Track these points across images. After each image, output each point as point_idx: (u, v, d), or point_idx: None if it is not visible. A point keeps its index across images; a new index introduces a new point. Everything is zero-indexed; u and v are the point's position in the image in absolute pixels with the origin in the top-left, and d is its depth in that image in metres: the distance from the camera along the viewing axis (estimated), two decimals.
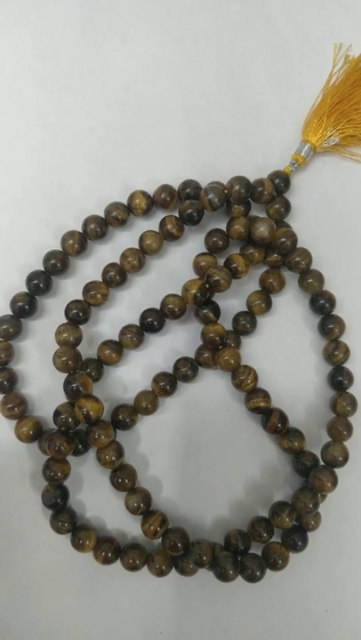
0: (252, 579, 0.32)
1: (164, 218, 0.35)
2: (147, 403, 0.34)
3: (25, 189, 0.37)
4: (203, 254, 0.35)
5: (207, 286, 0.33)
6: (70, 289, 0.36)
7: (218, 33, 0.40)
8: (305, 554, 0.33)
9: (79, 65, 0.39)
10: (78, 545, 0.33)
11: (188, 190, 0.35)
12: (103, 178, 0.37)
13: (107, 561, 0.33)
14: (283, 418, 0.34)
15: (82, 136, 0.38)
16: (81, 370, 0.34)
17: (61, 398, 0.33)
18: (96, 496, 0.35)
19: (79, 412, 0.32)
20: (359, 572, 0.35)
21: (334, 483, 0.33)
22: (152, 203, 0.36)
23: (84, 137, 0.38)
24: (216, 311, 0.34)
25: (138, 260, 0.35)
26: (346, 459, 0.33)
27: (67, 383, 0.32)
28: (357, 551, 0.35)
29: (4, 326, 0.34)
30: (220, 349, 0.34)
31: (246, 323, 0.35)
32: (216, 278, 0.33)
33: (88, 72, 0.39)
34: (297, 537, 0.33)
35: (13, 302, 0.35)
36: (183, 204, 0.35)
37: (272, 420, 0.34)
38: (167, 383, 0.34)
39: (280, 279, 0.36)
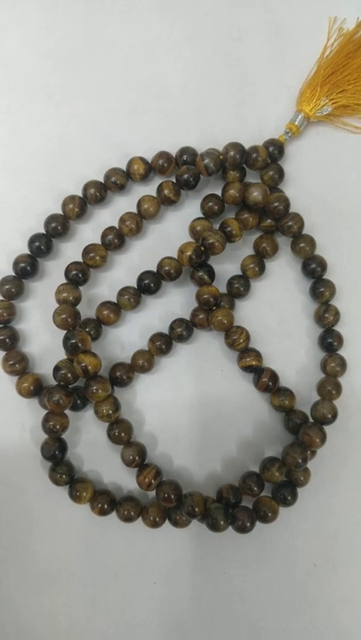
0: (242, 529, 0.33)
1: (162, 183, 0.36)
2: (143, 361, 0.35)
3: (28, 158, 0.38)
4: (198, 219, 0.36)
5: (202, 249, 0.35)
6: (70, 252, 0.37)
7: (216, 9, 0.41)
8: (295, 509, 0.34)
9: (83, 39, 0.40)
10: (75, 497, 0.34)
11: (185, 157, 0.36)
12: (104, 148, 0.38)
13: (103, 512, 0.34)
14: (273, 376, 0.35)
15: (84, 107, 0.39)
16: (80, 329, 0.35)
17: (61, 356, 0.34)
18: (93, 451, 0.36)
19: (78, 366, 0.33)
20: (348, 528, 0.36)
21: (323, 439, 0.34)
22: (150, 168, 0.37)
23: (87, 108, 0.39)
24: (211, 274, 0.35)
25: (136, 223, 0.36)
26: (335, 416, 0.34)
27: (66, 339, 0.33)
28: (346, 508, 0.36)
29: (7, 286, 0.36)
30: (213, 310, 0.35)
31: (240, 286, 0.36)
32: (211, 241, 0.34)
33: (91, 46, 0.40)
34: (287, 492, 0.34)
35: (16, 263, 0.36)
36: (180, 169, 0.36)
37: (263, 379, 0.35)
38: (163, 343, 0.35)
39: (273, 244, 0.37)
